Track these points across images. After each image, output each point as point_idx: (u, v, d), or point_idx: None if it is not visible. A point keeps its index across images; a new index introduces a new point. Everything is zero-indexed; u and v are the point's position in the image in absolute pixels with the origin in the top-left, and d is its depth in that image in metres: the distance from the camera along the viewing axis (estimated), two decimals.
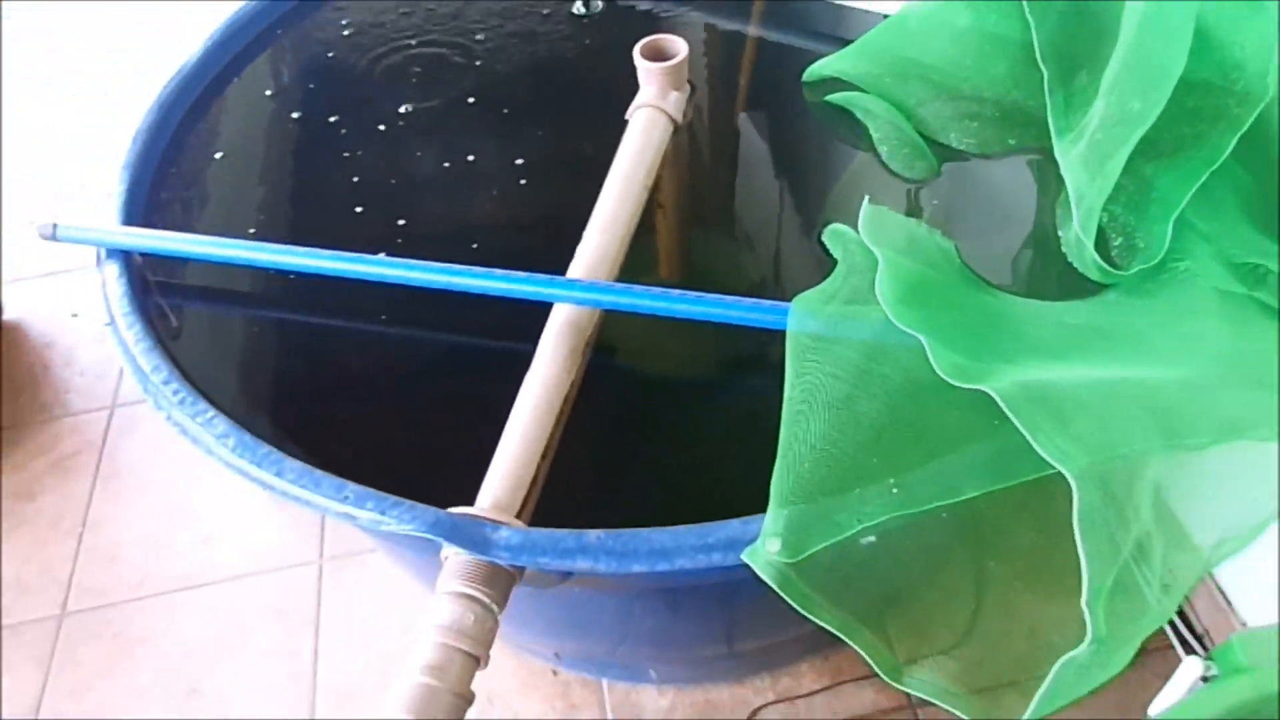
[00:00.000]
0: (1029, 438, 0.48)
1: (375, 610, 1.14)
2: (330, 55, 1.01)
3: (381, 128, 0.92)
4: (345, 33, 1.03)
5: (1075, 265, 0.70)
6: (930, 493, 0.56)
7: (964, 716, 0.50)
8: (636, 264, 0.76)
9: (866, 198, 0.64)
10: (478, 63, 0.98)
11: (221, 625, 1.15)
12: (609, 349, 0.73)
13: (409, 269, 0.71)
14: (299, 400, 0.75)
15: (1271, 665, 0.49)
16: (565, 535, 0.57)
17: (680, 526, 0.56)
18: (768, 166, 0.91)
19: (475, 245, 0.81)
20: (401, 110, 0.93)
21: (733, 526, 0.56)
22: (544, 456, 0.63)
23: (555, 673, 1.06)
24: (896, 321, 0.56)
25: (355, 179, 0.87)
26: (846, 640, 0.51)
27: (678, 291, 0.66)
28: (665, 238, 0.89)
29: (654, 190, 0.84)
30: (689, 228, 0.90)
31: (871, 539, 0.61)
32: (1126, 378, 0.53)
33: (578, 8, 1.02)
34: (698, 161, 0.92)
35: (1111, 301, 0.66)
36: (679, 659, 0.95)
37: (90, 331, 1.54)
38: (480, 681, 1.06)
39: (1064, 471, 0.47)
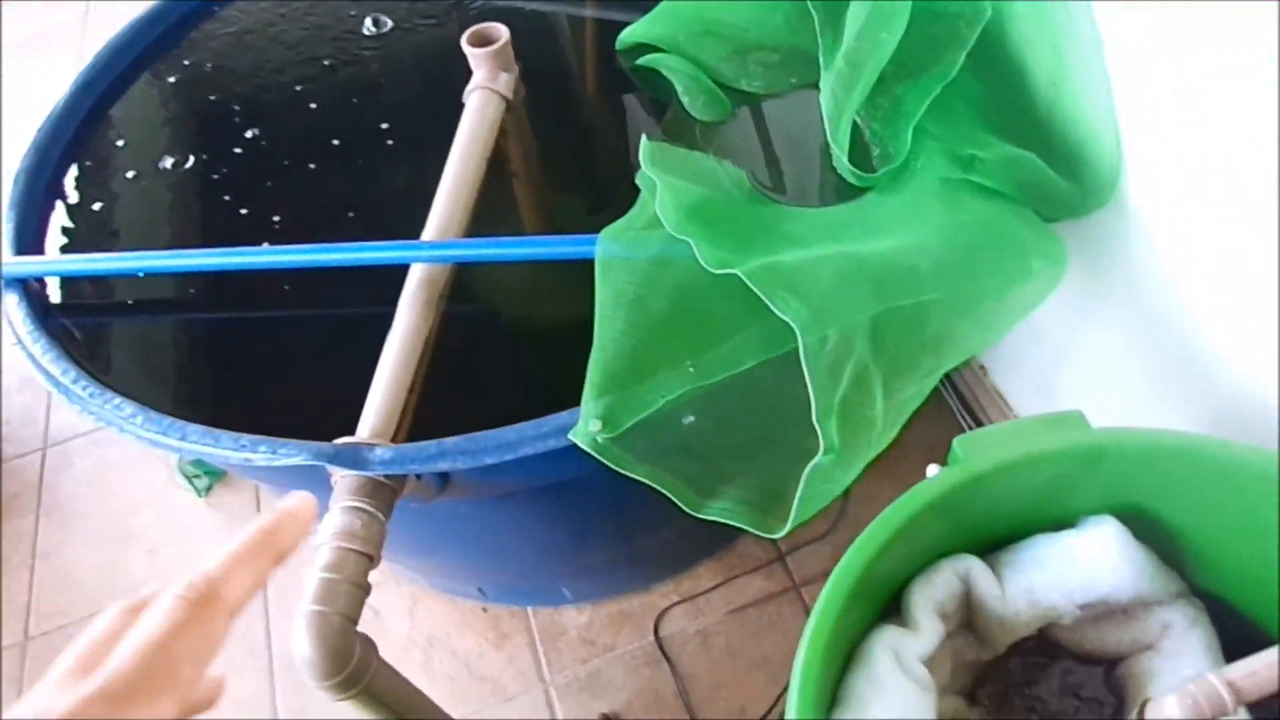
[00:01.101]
0: (766, 301, 0.61)
1: None
2: (196, 88, 1.11)
3: (239, 150, 1.02)
4: (207, 66, 1.13)
5: (843, 175, 0.83)
6: (720, 367, 0.69)
7: (749, 529, 0.63)
8: (504, 228, 0.88)
9: (644, 136, 0.76)
10: (337, 73, 1.09)
11: None
12: (468, 296, 0.85)
13: (286, 254, 0.82)
14: (198, 379, 0.85)
15: (978, 457, 0.63)
16: (427, 444, 0.68)
17: (520, 423, 0.68)
18: (604, 128, 1.03)
19: (348, 226, 0.92)
20: (264, 130, 1.04)
21: (562, 417, 0.68)
22: (411, 390, 0.75)
23: (485, 609, 1.17)
24: (671, 230, 0.69)
25: (227, 191, 0.98)
26: (651, 484, 0.64)
27: (510, 239, 0.78)
28: (525, 202, 1.01)
29: (505, 161, 0.96)
30: (542, 191, 1.02)
31: (691, 418, 0.74)
32: (849, 251, 0.66)
33: (368, 28, 1.13)
34: (543, 132, 1.04)
35: (866, 201, 0.79)
36: (580, 570, 1.07)
37: (9, 382, 1.61)
38: (420, 627, 1.18)
39: (791, 323, 0.60)
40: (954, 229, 0.69)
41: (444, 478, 0.73)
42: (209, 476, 1.34)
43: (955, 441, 0.64)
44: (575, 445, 0.66)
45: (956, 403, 1.24)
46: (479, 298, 0.87)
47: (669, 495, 0.64)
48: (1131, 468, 0.64)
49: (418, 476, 0.72)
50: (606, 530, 0.96)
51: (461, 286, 0.84)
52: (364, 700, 0.66)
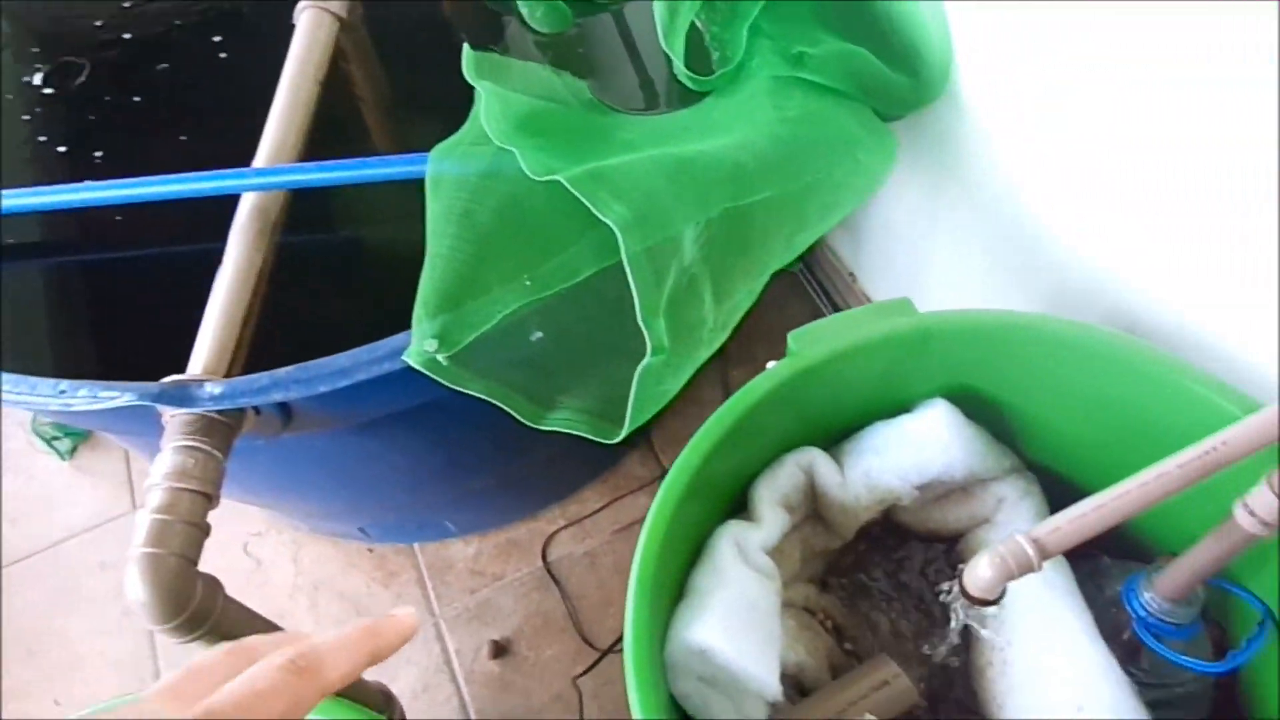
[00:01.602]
0: (588, 204, 0.60)
1: None
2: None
3: (53, 85, 0.96)
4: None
5: (682, 82, 0.82)
6: (557, 278, 0.68)
7: (589, 436, 0.63)
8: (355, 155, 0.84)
9: (465, 44, 0.73)
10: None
11: (51, 588, 1.20)
12: (308, 223, 0.81)
13: (108, 189, 0.77)
14: (30, 326, 0.81)
15: (810, 349, 0.63)
16: (258, 377, 0.66)
17: (354, 349, 0.67)
18: (455, 46, 1.00)
19: (180, 156, 0.87)
20: (80, 60, 0.97)
21: (397, 339, 0.67)
22: (244, 324, 0.72)
23: (371, 550, 1.16)
24: (498, 141, 0.67)
25: (42, 129, 0.92)
26: (488, 399, 0.63)
27: (339, 161, 0.75)
28: (376, 128, 0.97)
29: (349, 85, 0.92)
30: (394, 115, 0.98)
31: (539, 334, 0.73)
32: (676, 153, 0.65)
33: None
34: (389, 52, 0.99)
35: (703, 104, 0.79)
36: (461, 500, 1.06)
37: None
38: (305, 573, 1.15)
39: (612, 225, 0.59)
40: (781, 125, 0.69)
41: (286, 411, 0.71)
42: (70, 438, 1.28)
43: (790, 336, 0.65)
44: (412, 367, 0.65)
45: (830, 312, 1.26)
46: (319, 225, 0.84)
47: (507, 410, 0.64)
48: (957, 349, 0.66)
49: (256, 411, 0.70)
50: (477, 454, 0.95)
51: (301, 214, 0.81)
52: (214, 641, 0.65)
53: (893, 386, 0.68)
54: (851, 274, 1.20)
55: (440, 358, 0.65)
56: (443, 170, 0.71)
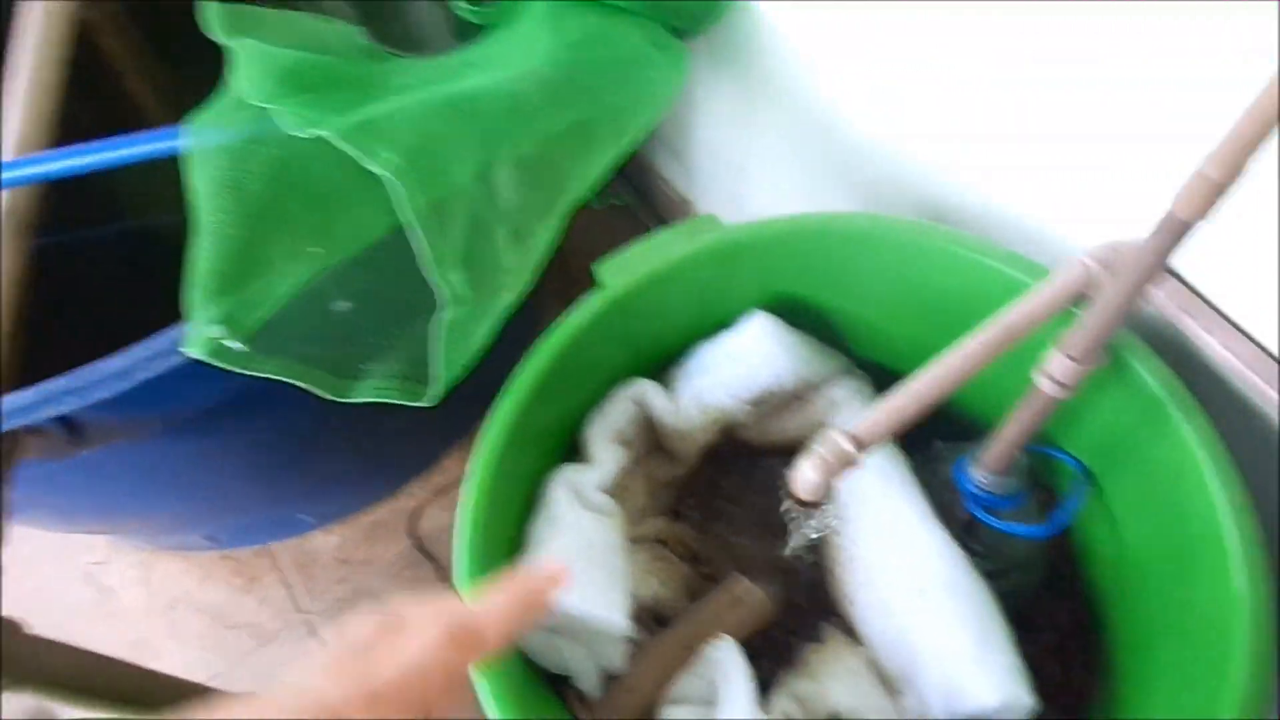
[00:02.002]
0: (358, 157, 0.56)
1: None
2: None
3: None
4: None
5: (460, 15, 0.78)
6: (347, 243, 0.64)
7: (401, 402, 0.60)
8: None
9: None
10: None
11: None
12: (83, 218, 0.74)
13: None
14: None
15: (620, 278, 0.62)
16: (27, 393, 0.60)
17: (129, 347, 0.61)
18: None
19: None
20: None
21: (175, 331, 0.62)
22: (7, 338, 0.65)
23: (225, 557, 1.10)
24: (259, 101, 0.62)
25: None
26: (285, 379, 0.59)
27: (86, 145, 0.68)
28: (149, 105, 0.89)
29: (108, 60, 0.84)
30: (171, 87, 0.90)
31: (345, 305, 0.69)
32: (451, 91, 0.62)
33: None
34: (154, 22, 0.91)
35: (485, 40, 0.75)
36: (312, 490, 1.01)
37: None
38: (158, 593, 1.09)
39: (386, 175, 0.55)
40: (564, 51, 0.66)
41: (72, 426, 0.65)
42: None
43: (599, 268, 0.63)
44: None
45: None
46: (96, 218, 0.77)
47: (307, 386, 0.60)
48: (768, 258, 0.65)
49: (34, 431, 0.63)
50: (319, 439, 0.90)
51: (67, 210, 0.74)
52: (22, 690, 0.59)
53: (712, 306, 0.67)
54: (686, 200, 1.19)
55: (230, 343, 0.60)
56: (202, 141, 0.65)
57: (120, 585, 1.09)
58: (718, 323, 0.68)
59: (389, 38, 0.79)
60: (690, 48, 0.76)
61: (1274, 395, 0.51)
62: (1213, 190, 0.40)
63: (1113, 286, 0.48)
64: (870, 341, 0.72)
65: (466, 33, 0.79)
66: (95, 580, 1.10)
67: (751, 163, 0.97)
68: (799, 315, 0.69)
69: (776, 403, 0.70)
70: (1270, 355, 0.52)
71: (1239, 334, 0.53)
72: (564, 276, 0.89)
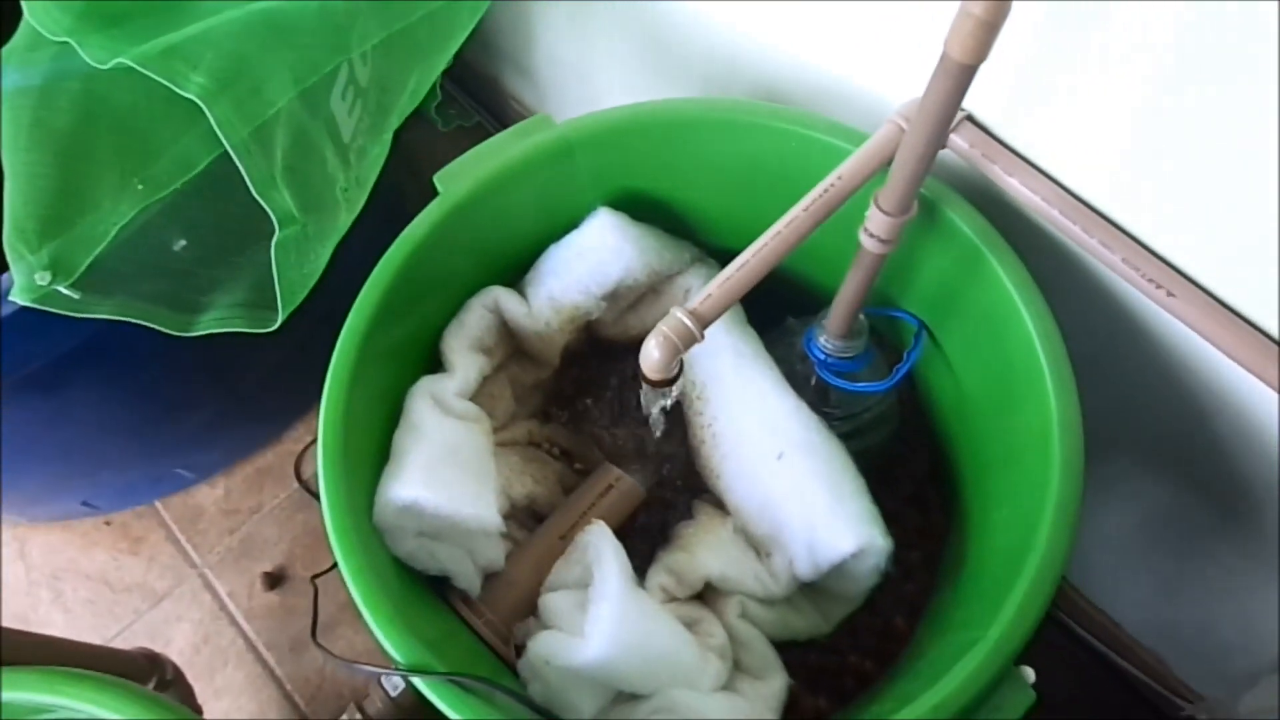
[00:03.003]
0: (168, 84, 0.54)
1: None
2: None
3: None
4: None
5: None
6: (172, 175, 0.61)
7: (245, 330, 0.59)
8: None
9: None
10: None
11: None
12: None
13: None
14: None
15: (456, 185, 0.61)
16: None
17: None
18: None
19: None
20: None
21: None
22: None
23: (108, 522, 1.07)
24: (52, 34, 0.58)
25: None
26: (123, 319, 0.58)
27: None
28: None
29: None
30: None
31: (184, 242, 0.67)
32: (259, 7, 0.59)
33: None
34: None
35: None
36: (187, 440, 0.99)
37: None
38: (37, 567, 1.05)
39: (196, 100, 0.53)
40: None
41: None
42: None
43: (434, 178, 0.63)
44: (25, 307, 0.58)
45: None
46: None
47: (147, 324, 0.58)
48: (604, 153, 0.66)
49: None
50: (185, 386, 0.87)
51: None
52: None
53: (555, 208, 0.68)
54: (547, 116, 1.18)
55: (60, 288, 0.58)
56: (2, 84, 0.61)
57: None
58: (565, 225, 0.69)
59: None
60: None
61: (1074, 228, 0.55)
62: (980, 27, 0.42)
63: (910, 135, 0.50)
64: (716, 228, 0.74)
65: None
66: None
67: (595, 67, 0.97)
68: (644, 209, 0.70)
69: (631, 297, 0.71)
70: (1067, 191, 0.56)
71: (1036, 172, 0.56)
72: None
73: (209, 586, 1.03)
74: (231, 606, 1.02)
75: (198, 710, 0.87)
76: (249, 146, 0.54)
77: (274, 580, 1.02)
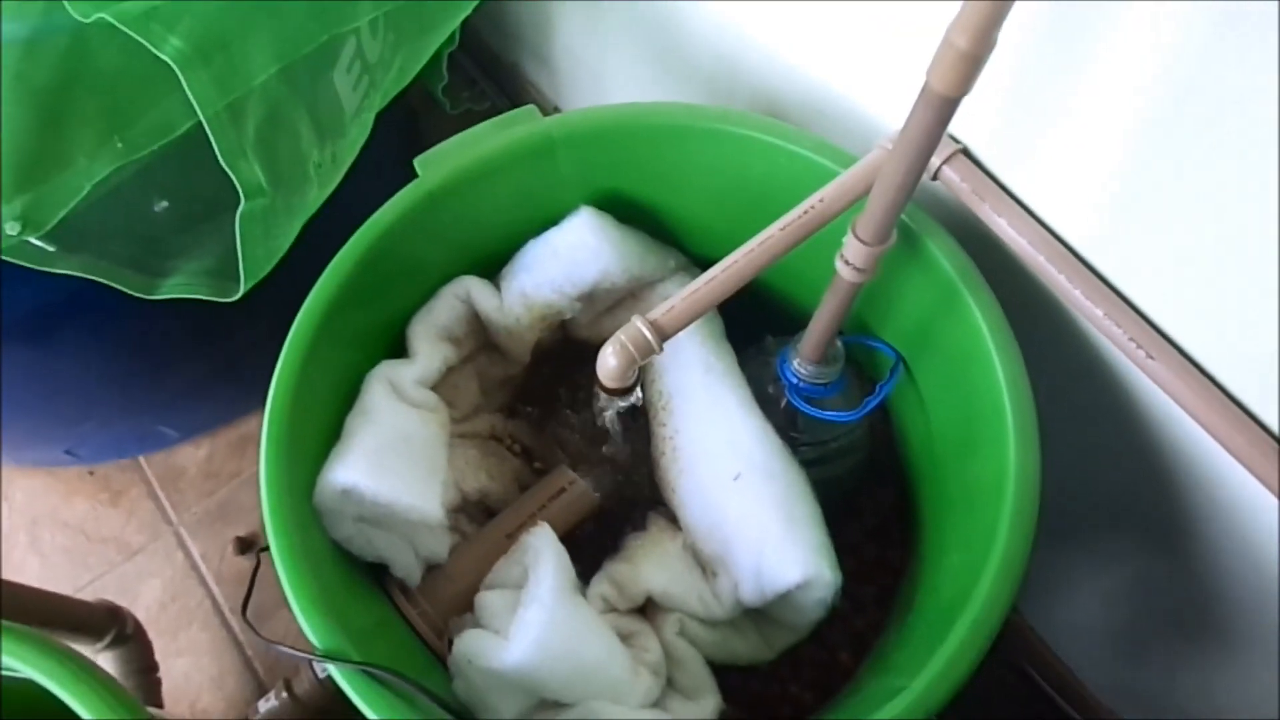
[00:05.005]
0: (149, 46, 0.54)
1: None
2: None
3: None
4: None
5: None
6: (150, 137, 0.61)
7: (207, 297, 0.59)
8: None
9: None
10: None
11: None
12: None
13: None
14: None
15: (435, 172, 0.61)
16: None
17: None
18: None
19: None
20: None
21: None
22: None
23: (91, 473, 1.08)
24: None
25: None
26: (87, 276, 0.58)
27: None
28: None
29: None
30: None
31: (165, 204, 0.67)
32: None
33: None
34: None
35: None
36: (171, 400, 0.99)
37: None
38: (19, 510, 1.06)
39: (170, 63, 0.53)
40: None
41: None
42: None
43: (415, 162, 0.62)
44: None
45: None
46: None
47: (111, 284, 0.58)
48: (590, 152, 0.65)
49: None
50: (166, 345, 0.87)
51: None
52: None
53: (537, 202, 0.67)
54: (556, 107, 1.17)
55: (30, 239, 0.58)
56: None
57: None
58: (546, 220, 0.68)
59: None
60: None
61: (1058, 277, 0.54)
62: (961, 59, 0.40)
63: (889, 165, 0.48)
64: (703, 237, 0.72)
65: None
66: None
67: (605, 65, 0.96)
68: (631, 212, 0.69)
69: (609, 300, 0.70)
70: (1055, 236, 0.54)
71: (1027, 215, 0.55)
72: None
73: (183, 545, 1.04)
74: (203, 568, 1.02)
75: (152, 668, 0.87)
76: (219, 115, 0.54)
77: (245, 545, 1.03)
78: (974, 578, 0.50)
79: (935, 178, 0.57)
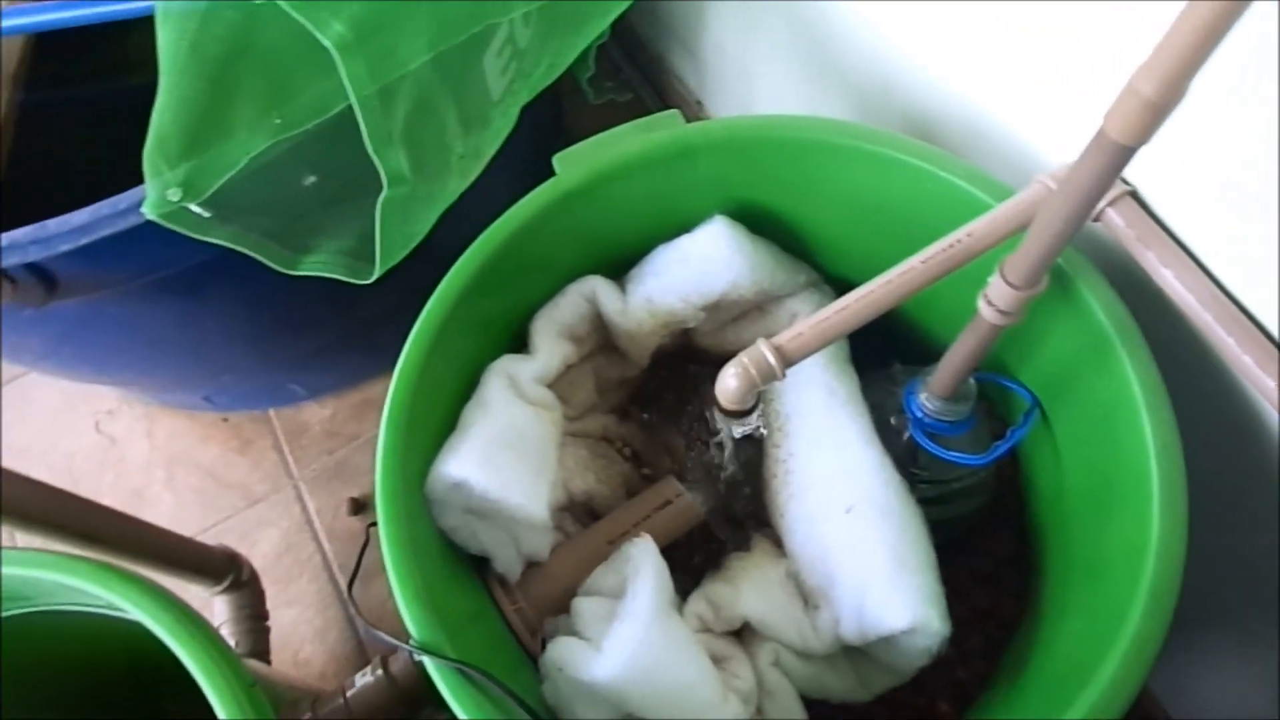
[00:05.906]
0: (310, 28, 0.55)
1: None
2: None
3: None
4: None
5: None
6: (307, 114, 0.63)
7: (343, 277, 0.60)
8: None
9: None
10: None
11: None
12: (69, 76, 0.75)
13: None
14: None
15: (573, 171, 0.60)
16: None
17: (95, 204, 0.62)
18: None
19: None
20: None
21: (138, 191, 0.62)
22: None
23: (225, 420, 1.14)
24: None
25: None
26: (235, 247, 0.60)
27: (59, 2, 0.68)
28: None
29: None
30: None
31: (314, 178, 0.69)
32: None
33: None
34: None
35: None
36: (302, 361, 1.03)
37: None
38: (160, 448, 1.13)
39: (330, 48, 0.54)
40: None
41: (45, 275, 0.67)
42: None
43: (554, 159, 0.62)
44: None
45: None
46: (91, 77, 0.77)
47: (257, 256, 0.60)
48: (730, 161, 0.63)
49: (9, 279, 0.65)
50: (304, 311, 0.91)
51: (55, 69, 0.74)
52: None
53: (671, 206, 0.66)
54: (699, 101, 1.16)
55: (190, 206, 0.61)
56: (171, 4, 0.64)
57: (126, 437, 1.14)
58: (679, 226, 0.67)
59: None
60: None
61: (1227, 340, 0.49)
62: (1145, 108, 0.37)
63: (1048, 209, 0.45)
64: (835, 256, 0.70)
65: None
66: (104, 430, 1.15)
67: (757, 65, 0.94)
68: (763, 223, 0.67)
69: (735, 311, 0.69)
70: (1226, 293, 0.50)
71: (1197, 269, 0.50)
72: None
73: (300, 499, 1.08)
74: (317, 523, 1.07)
75: (262, 615, 0.91)
76: (371, 102, 0.54)
77: (358, 506, 1.06)
78: (1098, 652, 0.47)
79: (1097, 219, 0.54)
